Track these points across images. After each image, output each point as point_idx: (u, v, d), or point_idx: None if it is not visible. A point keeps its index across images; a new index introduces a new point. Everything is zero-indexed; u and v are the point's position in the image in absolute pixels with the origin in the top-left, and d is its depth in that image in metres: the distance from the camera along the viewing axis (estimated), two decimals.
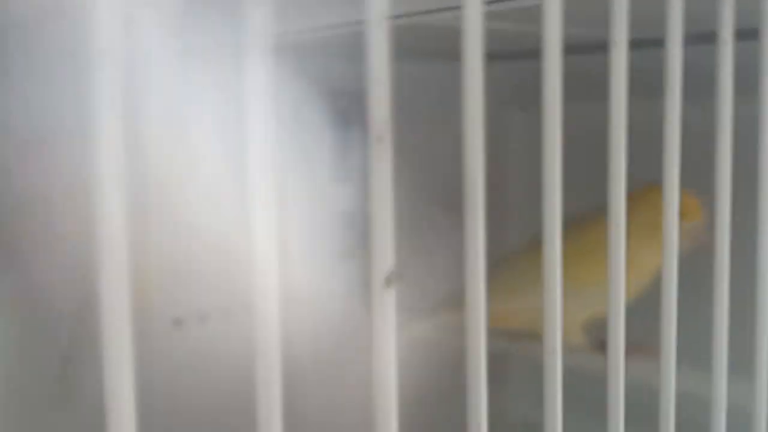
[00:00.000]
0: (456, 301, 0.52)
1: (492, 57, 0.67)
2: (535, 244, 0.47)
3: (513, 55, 0.74)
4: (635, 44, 0.58)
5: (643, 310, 0.45)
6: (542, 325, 0.41)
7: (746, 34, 0.48)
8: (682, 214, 0.46)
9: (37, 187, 0.52)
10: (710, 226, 0.45)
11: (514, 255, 0.53)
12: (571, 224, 0.47)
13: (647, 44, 0.60)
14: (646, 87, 0.60)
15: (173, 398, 0.55)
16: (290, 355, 0.31)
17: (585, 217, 0.49)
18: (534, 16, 0.41)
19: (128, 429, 0.24)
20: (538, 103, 0.40)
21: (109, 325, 0.24)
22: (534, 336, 0.49)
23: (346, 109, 0.70)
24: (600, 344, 0.49)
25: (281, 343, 0.30)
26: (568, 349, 0.49)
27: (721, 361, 0.43)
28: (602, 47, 0.49)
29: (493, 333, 0.51)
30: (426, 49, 0.70)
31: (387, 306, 0.29)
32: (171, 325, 0.55)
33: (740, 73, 0.48)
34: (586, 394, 0.55)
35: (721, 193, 0.44)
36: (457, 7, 0.32)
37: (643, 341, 0.45)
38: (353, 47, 0.55)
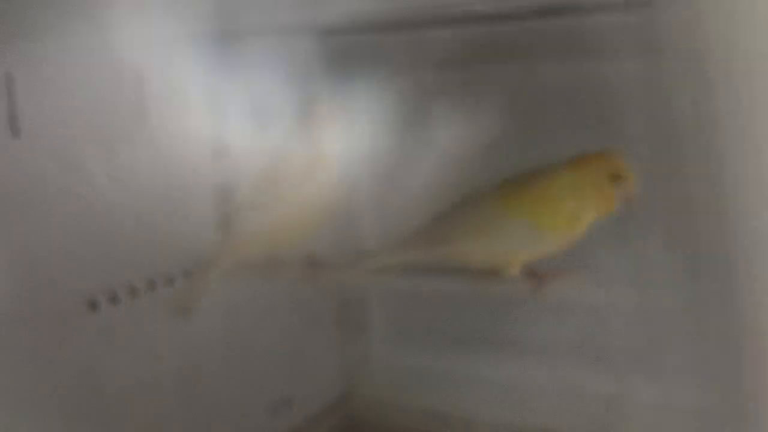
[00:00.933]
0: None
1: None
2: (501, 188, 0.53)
3: None
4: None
5: None
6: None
7: None
8: (616, 177, 0.52)
9: None
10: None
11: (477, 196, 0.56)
12: (536, 173, 0.53)
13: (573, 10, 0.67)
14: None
15: None
16: None
17: (547, 168, 0.55)
18: None
19: None
20: None
21: None
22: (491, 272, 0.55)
23: None
24: (530, 273, 0.55)
25: None
26: (503, 278, 0.54)
27: None
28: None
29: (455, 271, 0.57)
30: None
31: None
32: None
33: None
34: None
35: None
36: None
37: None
38: None
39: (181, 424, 0.69)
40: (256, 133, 0.77)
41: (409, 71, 0.81)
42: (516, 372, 0.84)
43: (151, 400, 0.66)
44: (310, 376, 0.87)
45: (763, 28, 0.42)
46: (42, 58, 0.56)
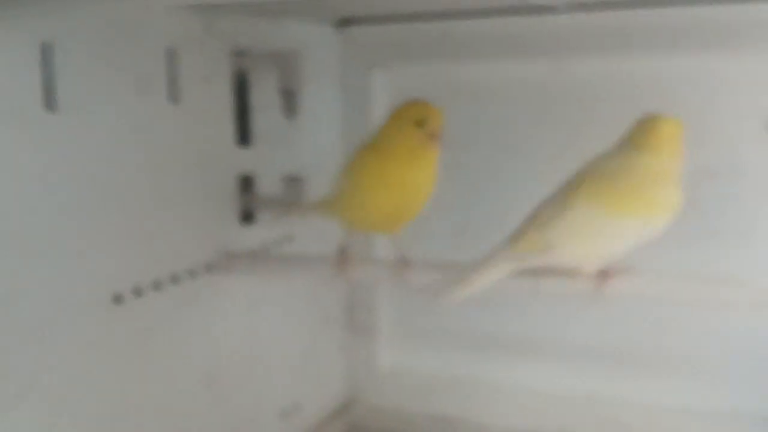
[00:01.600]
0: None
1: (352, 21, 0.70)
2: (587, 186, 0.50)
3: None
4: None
5: None
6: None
7: None
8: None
9: None
10: None
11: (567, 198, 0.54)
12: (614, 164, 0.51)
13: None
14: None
15: None
16: None
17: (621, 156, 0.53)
18: None
19: None
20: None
21: None
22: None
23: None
24: (600, 271, 0.53)
25: None
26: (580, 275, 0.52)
27: None
28: None
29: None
30: None
31: None
32: None
33: None
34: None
35: None
36: None
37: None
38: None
39: (202, 422, 0.66)
40: (281, 123, 0.74)
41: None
42: (528, 375, 0.82)
43: (174, 396, 0.62)
44: (318, 379, 0.84)
45: None
46: (83, 26, 0.51)
